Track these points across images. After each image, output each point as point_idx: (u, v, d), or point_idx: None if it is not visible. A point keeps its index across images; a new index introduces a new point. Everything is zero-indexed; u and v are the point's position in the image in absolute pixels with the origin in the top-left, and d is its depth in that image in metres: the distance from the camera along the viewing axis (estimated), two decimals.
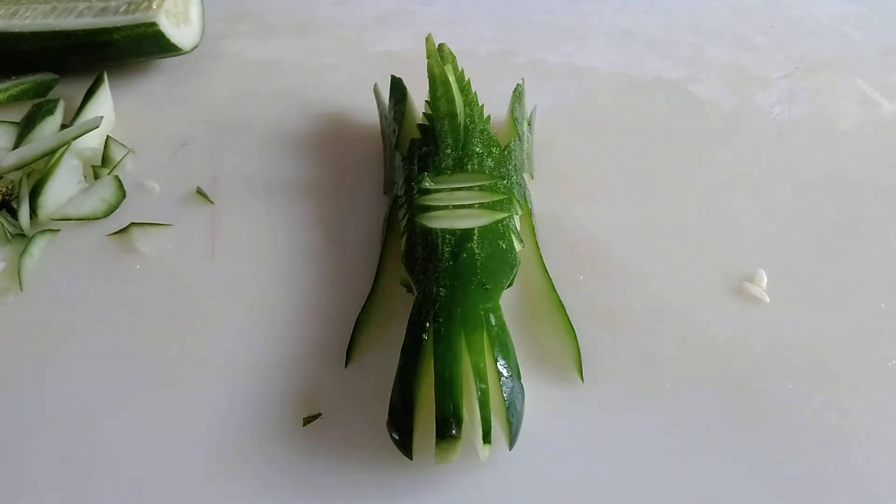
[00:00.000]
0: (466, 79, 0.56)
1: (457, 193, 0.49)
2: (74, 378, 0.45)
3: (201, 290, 0.50)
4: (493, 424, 0.38)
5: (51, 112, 0.61)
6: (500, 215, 0.47)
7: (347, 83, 0.69)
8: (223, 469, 0.41)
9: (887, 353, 0.46)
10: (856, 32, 0.78)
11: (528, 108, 0.62)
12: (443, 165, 0.50)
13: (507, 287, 0.45)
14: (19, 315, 0.49)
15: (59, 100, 0.64)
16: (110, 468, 0.41)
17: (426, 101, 0.56)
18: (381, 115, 0.62)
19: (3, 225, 0.53)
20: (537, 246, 0.50)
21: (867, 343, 0.47)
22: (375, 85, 0.63)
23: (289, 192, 0.58)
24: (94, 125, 0.58)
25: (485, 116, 0.54)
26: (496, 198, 0.48)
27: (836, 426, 0.42)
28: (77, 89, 0.65)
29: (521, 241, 0.49)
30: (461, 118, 0.52)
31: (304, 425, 0.42)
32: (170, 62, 0.72)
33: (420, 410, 0.39)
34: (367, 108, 0.64)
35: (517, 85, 0.61)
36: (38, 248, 0.53)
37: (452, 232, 0.46)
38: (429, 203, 0.48)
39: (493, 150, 0.52)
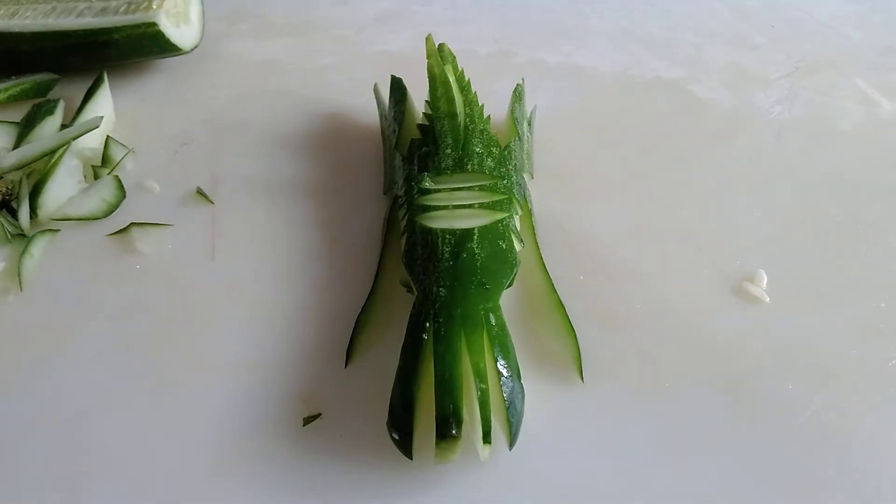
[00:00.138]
0: (466, 79, 0.56)
1: (457, 193, 0.49)
2: (74, 378, 0.45)
3: (201, 290, 0.50)
4: (493, 424, 0.38)
5: (51, 112, 0.61)
6: (500, 215, 0.47)
7: (347, 83, 0.69)
8: (223, 469, 0.41)
9: (887, 353, 0.46)
10: (856, 32, 0.78)
11: (528, 108, 0.62)
12: (443, 165, 0.50)
13: (507, 287, 0.45)
14: (19, 315, 0.49)
15: (59, 100, 0.64)
16: (110, 468, 0.41)
17: (426, 101, 0.56)
18: (381, 115, 0.62)
19: (3, 225, 0.53)
20: (537, 246, 0.50)
21: (867, 343, 0.47)
22: (375, 85, 0.63)
23: (289, 192, 0.58)
24: (94, 125, 0.58)
25: (485, 116, 0.54)
26: (496, 198, 0.48)
27: (836, 426, 0.42)
28: (77, 89, 0.65)
29: (521, 241, 0.49)
30: (461, 118, 0.52)
31: (304, 425, 0.42)
32: (170, 62, 0.72)
33: (420, 410, 0.39)
34: (367, 108, 0.64)
35: (517, 85, 0.61)
36: (38, 248, 0.53)
37: (452, 232, 0.46)
38: (429, 203, 0.48)
39: (493, 150, 0.52)
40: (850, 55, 0.74)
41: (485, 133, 0.52)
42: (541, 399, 0.43)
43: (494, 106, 0.56)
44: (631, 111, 0.67)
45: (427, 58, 0.53)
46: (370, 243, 0.53)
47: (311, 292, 0.50)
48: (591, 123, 0.65)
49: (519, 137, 0.55)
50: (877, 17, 0.81)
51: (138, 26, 0.65)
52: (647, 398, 0.44)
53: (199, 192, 0.57)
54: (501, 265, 0.45)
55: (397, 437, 0.39)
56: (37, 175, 0.56)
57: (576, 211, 0.55)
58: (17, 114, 0.63)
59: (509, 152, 0.53)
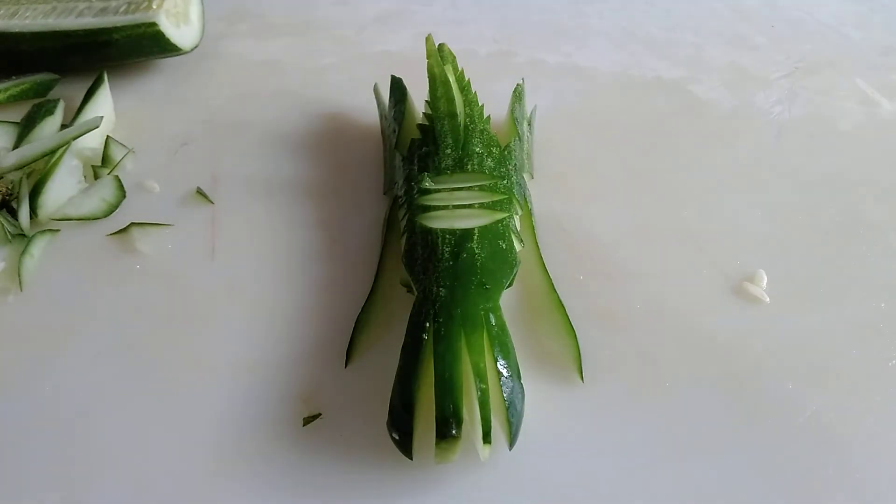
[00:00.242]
0: (466, 79, 0.56)
1: (457, 193, 0.49)
2: (74, 378, 0.45)
3: (201, 290, 0.50)
4: (493, 424, 0.38)
5: (51, 112, 0.61)
6: (500, 215, 0.47)
7: (347, 83, 0.69)
8: (223, 469, 0.41)
9: (887, 353, 0.46)
10: (856, 32, 0.78)
11: (528, 108, 0.62)
12: (443, 165, 0.50)
13: (507, 287, 0.45)
14: (19, 315, 0.49)
15: (59, 100, 0.64)
16: (110, 468, 0.41)
17: (426, 101, 0.56)
18: (381, 115, 0.62)
19: (3, 225, 0.53)
20: (537, 246, 0.50)
21: (867, 343, 0.47)
22: (375, 85, 0.63)
23: (289, 192, 0.58)
24: (94, 125, 0.58)
25: (485, 116, 0.54)
26: (496, 198, 0.48)
27: (836, 426, 0.42)
28: (77, 89, 0.65)
29: (521, 241, 0.49)
30: (461, 118, 0.52)
31: (304, 425, 0.42)
32: (170, 62, 0.72)
33: (420, 410, 0.39)
34: (367, 108, 0.64)
35: (517, 85, 0.61)
36: (38, 248, 0.53)
37: (452, 232, 0.46)
38: (429, 203, 0.48)
39: (493, 150, 0.52)
40: (850, 55, 0.74)
41: (485, 133, 0.52)
42: (541, 399, 0.43)
43: (494, 106, 0.56)
44: (631, 111, 0.67)
45: (427, 58, 0.53)
46: (370, 243, 0.53)
47: (311, 292, 0.50)
48: (591, 123, 0.65)
49: (519, 137, 0.55)
50: (877, 17, 0.81)
51: (138, 26, 0.65)
52: (647, 398, 0.44)
53: (199, 192, 0.57)
54: (501, 265, 0.45)
55: (397, 437, 0.39)
56: (37, 175, 0.56)
57: (576, 211, 0.55)
58: (17, 114, 0.63)
59: (509, 152, 0.53)
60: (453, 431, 0.37)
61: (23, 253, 0.52)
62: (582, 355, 0.45)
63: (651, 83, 0.70)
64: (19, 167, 0.56)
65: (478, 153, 0.51)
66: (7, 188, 0.56)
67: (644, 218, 0.55)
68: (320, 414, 0.43)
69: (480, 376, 0.39)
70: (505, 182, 0.50)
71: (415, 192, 0.49)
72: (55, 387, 0.45)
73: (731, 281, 0.50)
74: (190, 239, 0.54)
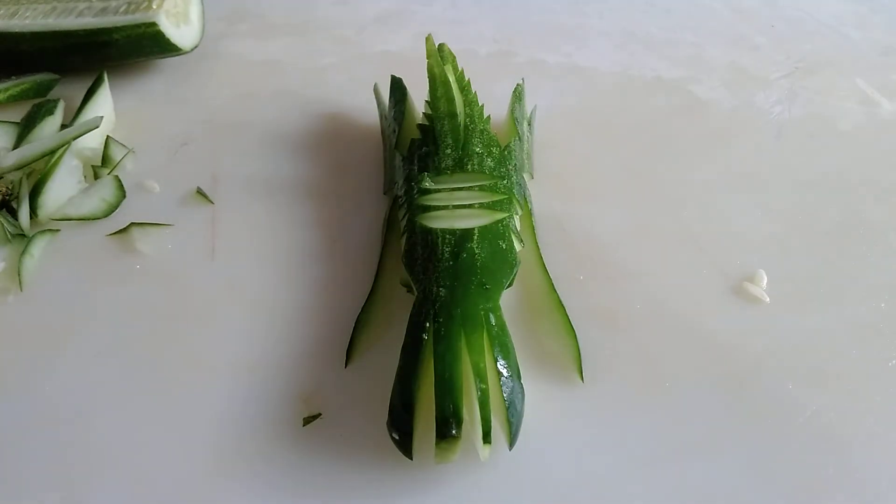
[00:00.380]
0: (466, 79, 0.56)
1: (457, 193, 0.49)
2: (74, 378, 0.45)
3: (201, 290, 0.50)
4: (493, 424, 0.38)
5: (51, 112, 0.61)
6: (500, 215, 0.47)
7: (347, 83, 0.69)
8: (223, 469, 0.41)
9: (887, 353, 0.46)
10: (856, 32, 0.78)
11: (528, 108, 0.62)
12: (443, 165, 0.50)
13: (507, 287, 0.45)
14: (19, 315, 0.49)
15: (59, 100, 0.64)
16: (110, 468, 0.41)
17: (426, 101, 0.56)
18: (381, 115, 0.62)
19: (3, 225, 0.53)
20: (537, 246, 0.50)
21: (867, 343, 0.47)
22: (375, 85, 0.63)
23: (289, 192, 0.58)
24: (94, 125, 0.58)
25: (485, 116, 0.54)
26: (496, 198, 0.48)
27: (836, 426, 0.42)
28: (77, 89, 0.65)
29: (521, 241, 0.49)
30: (461, 118, 0.52)
31: (304, 425, 0.42)
32: (170, 62, 0.72)
33: (420, 410, 0.39)
34: (367, 108, 0.64)
35: (517, 85, 0.61)
36: (38, 248, 0.53)
37: (452, 232, 0.46)
38: (429, 203, 0.48)
39: (493, 150, 0.52)
40: (850, 55, 0.74)
41: (485, 133, 0.52)
42: (541, 399, 0.43)
43: (494, 106, 0.56)
44: (631, 111, 0.67)
45: (427, 58, 0.53)
46: (370, 243, 0.53)
47: (311, 292, 0.50)
48: (591, 123, 0.65)
49: (519, 137, 0.55)
50: (877, 17, 0.81)
51: (138, 26, 0.65)
52: (647, 398, 0.44)
53: (199, 192, 0.57)
54: (501, 265, 0.45)
55: (397, 437, 0.39)
56: (37, 175, 0.56)
57: (576, 211, 0.55)
58: (17, 114, 0.63)
59: (509, 152, 0.53)
60: (453, 431, 0.37)
61: (23, 253, 0.52)
62: (582, 355, 0.45)
63: (651, 83, 0.70)
64: (19, 167, 0.56)
65: (478, 153, 0.51)
66: (7, 188, 0.56)
67: (644, 218, 0.55)
68: (320, 414, 0.43)
69: (480, 376, 0.39)
70: (505, 182, 0.50)
71: (415, 192, 0.49)
72: (55, 387, 0.45)
73: (731, 281, 0.50)
74: (190, 239, 0.54)
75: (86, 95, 0.63)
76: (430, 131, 0.53)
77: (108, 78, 0.65)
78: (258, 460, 0.41)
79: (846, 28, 0.79)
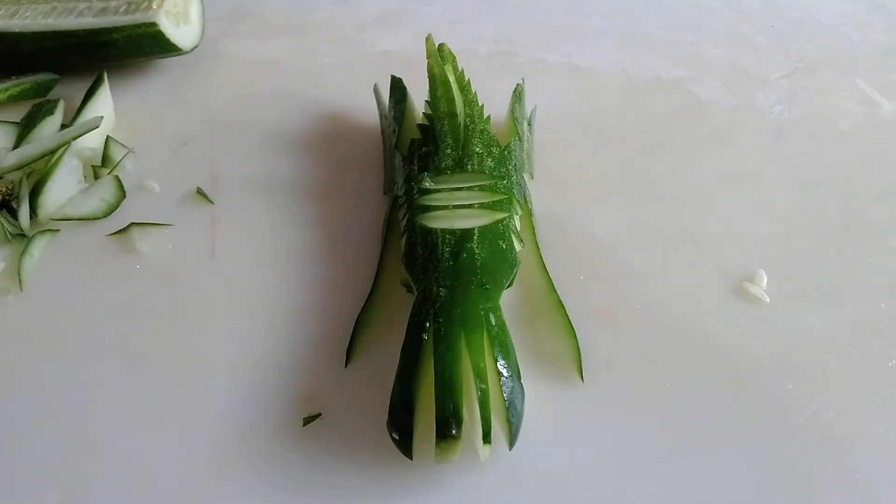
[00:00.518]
0: (466, 79, 0.56)
1: (457, 193, 0.49)
2: (74, 378, 0.45)
3: (201, 290, 0.50)
4: (493, 424, 0.38)
5: (51, 112, 0.61)
6: (500, 215, 0.47)
7: (347, 83, 0.69)
8: (223, 469, 0.41)
9: (887, 353, 0.46)
10: (856, 32, 0.78)
11: (528, 108, 0.62)
12: (443, 165, 0.50)
13: (507, 287, 0.45)
14: (19, 315, 0.49)
15: (59, 100, 0.64)
16: (110, 468, 0.41)
17: (426, 101, 0.56)
18: (381, 115, 0.62)
19: (3, 225, 0.53)
20: (537, 246, 0.50)
21: (867, 343, 0.47)
22: (375, 85, 0.63)
23: (289, 192, 0.58)
24: (94, 125, 0.58)
25: (485, 116, 0.54)
26: (496, 198, 0.48)
27: (836, 426, 0.42)
28: (77, 89, 0.65)
29: (521, 241, 0.49)
30: (461, 118, 0.52)
31: (304, 425, 0.42)
32: (170, 62, 0.72)
33: (420, 410, 0.39)
34: (367, 108, 0.64)
35: (517, 85, 0.61)
36: (38, 248, 0.53)
37: (452, 232, 0.46)
38: (429, 203, 0.48)
39: (493, 150, 0.52)
40: (850, 55, 0.74)
41: (485, 133, 0.52)
42: (541, 399, 0.43)
43: (494, 106, 0.56)
44: (631, 111, 0.67)
45: (427, 58, 0.53)
46: (370, 243, 0.53)
47: (311, 292, 0.50)
48: (591, 123, 0.65)
49: (519, 137, 0.55)
50: (877, 17, 0.81)
51: (138, 26, 0.65)
52: (647, 398, 0.44)
53: (199, 192, 0.57)
54: (501, 265, 0.45)
55: (397, 437, 0.39)
56: (37, 175, 0.56)
57: (576, 211, 0.55)
58: (17, 114, 0.63)
59: (509, 152, 0.53)
60: (453, 431, 0.37)
61: (23, 253, 0.52)
62: (582, 355, 0.45)
63: (651, 83, 0.70)
64: (19, 167, 0.56)
65: (478, 153, 0.51)
66: (7, 188, 0.56)
67: (644, 218, 0.55)
68: (320, 414, 0.43)
69: (480, 376, 0.39)
70: (505, 182, 0.50)
71: (415, 192, 0.49)
72: (55, 387, 0.45)
73: (731, 281, 0.50)
74: (190, 239, 0.54)
75: (86, 95, 0.63)
76: (430, 131, 0.53)
77: (108, 78, 0.65)
78: (258, 460, 0.41)
79: (846, 28, 0.79)
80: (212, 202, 0.57)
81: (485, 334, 0.41)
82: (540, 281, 0.48)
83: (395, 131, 0.57)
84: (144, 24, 0.65)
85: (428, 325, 0.41)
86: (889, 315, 0.48)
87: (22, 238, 0.53)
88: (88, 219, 0.55)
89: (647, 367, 0.45)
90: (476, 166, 0.50)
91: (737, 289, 0.50)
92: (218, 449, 0.42)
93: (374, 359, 0.45)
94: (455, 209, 0.47)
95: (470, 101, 0.54)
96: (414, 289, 0.45)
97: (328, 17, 0.80)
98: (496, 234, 0.46)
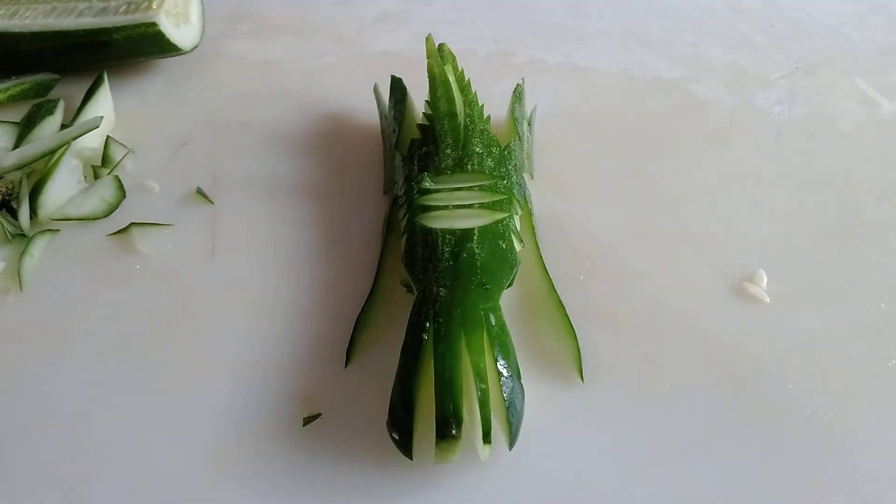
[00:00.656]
0: (466, 79, 0.56)
1: (457, 193, 0.49)
2: (74, 378, 0.45)
3: (201, 290, 0.50)
4: (493, 424, 0.38)
5: (51, 112, 0.61)
6: (500, 215, 0.47)
7: (347, 83, 0.69)
8: (223, 469, 0.41)
9: (887, 353, 0.46)
10: (856, 32, 0.78)
11: (528, 108, 0.62)
12: (443, 165, 0.50)
13: (507, 287, 0.45)
14: (19, 315, 0.49)
15: (59, 100, 0.64)
16: (110, 468, 0.41)
17: (426, 101, 0.56)
18: (381, 115, 0.62)
19: (3, 225, 0.53)
20: (537, 246, 0.50)
21: (867, 343, 0.47)
22: (375, 85, 0.63)
23: (289, 192, 0.58)
24: (94, 125, 0.58)
25: (485, 116, 0.54)
26: (496, 198, 0.48)
27: (836, 426, 0.42)
28: (77, 89, 0.65)
29: (521, 241, 0.49)
30: (461, 118, 0.52)
31: (304, 425, 0.42)
32: (170, 62, 0.72)
33: (420, 410, 0.39)
34: (367, 108, 0.64)
35: (517, 85, 0.61)
36: (38, 248, 0.53)
37: (452, 232, 0.46)
38: (429, 203, 0.48)
39: (493, 150, 0.52)
40: (850, 55, 0.74)
41: (485, 133, 0.52)
42: (541, 399, 0.43)
43: (494, 106, 0.56)
44: (631, 111, 0.67)
45: (427, 58, 0.53)
46: (370, 243, 0.53)
47: (311, 292, 0.50)
48: (591, 123, 0.65)
49: (519, 137, 0.55)
50: (877, 17, 0.81)
51: (138, 26, 0.65)
52: (647, 398, 0.44)
53: (199, 192, 0.57)
54: (501, 265, 0.45)
55: (397, 437, 0.39)
56: (37, 175, 0.56)
57: (576, 211, 0.55)
58: (17, 114, 0.62)
59: (509, 152, 0.53)
60: (453, 431, 0.37)
61: (23, 253, 0.52)
62: (582, 355, 0.45)
63: (651, 83, 0.70)
64: (19, 167, 0.56)
65: (478, 153, 0.51)
66: (7, 188, 0.56)
67: (644, 218, 0.55)
68: (320, 414, 0.43)
69: (480, 376, 0.39)
70: (505, 182, 0.50)
71: (415, 192, 0.49)
72: (55, 387, 0.45)
73: (731, 281, 0.50)
74: (190, 239, 0.54)
75: (86, 95, 0.63)
76: (430, 131, 0.53)
77: (108, 78, 0.65)
78: (258, 460, 0.41)
79: (846, 28, 0.79)
80: (212, 202, 0.57)
81: (485, 334, 0.41)
82: (540, 281, 0.48)
83: (395, 131, 0.57)
84: (144, 24, 0.65)
85: (428, 325, 0.41)
86: (889, 315, 0.48)
87: (22, 238, 0.53)
88: (88, 219, 0.55)
89: (647, 367, 0.45)
90: (476, 166, 0.50)
91: (737, 289, 0.50)
92: (218, 449, 0.41)
93: (374, 359, 0.45)
94: (455, 209, 0.47)
95: (470, 101, 0.54)
96: (414, 289, 0.45)
97: (328, 17, 0.80)
98: (496, 234, 0.46)
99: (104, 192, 0.57)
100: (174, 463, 0.41)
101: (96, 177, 0.58)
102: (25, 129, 0.60)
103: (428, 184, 0.49)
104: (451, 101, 0.53)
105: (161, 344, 0.47)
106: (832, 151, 0.62)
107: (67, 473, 0.41)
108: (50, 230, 0.54)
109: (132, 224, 0.54)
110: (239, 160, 0.61)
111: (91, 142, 0.60)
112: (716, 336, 0.47)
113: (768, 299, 0.49)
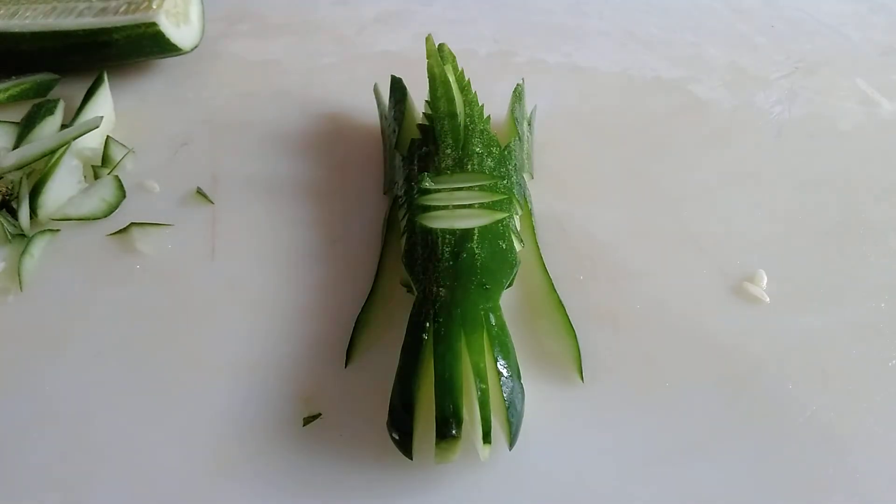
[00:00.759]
0: (466, 79, 0.56)
1: (457, 193, 0.49)
2: (74, 378, 0.45)
3: (201, 290, 0.50)
4: (493, 424, 0.38)
5: (51, 112, 0.61)
6: (500, 215, 0.47)
7: (347, 83, 0.69)
8: (223, 469, 0.41)
9: (887, 353, 0.46)
10: (856, 32, 0.78)
11: (528, 108, 0.62)
12: (443, 165, 0.50)
13: (507, 287, 0.45)
14: (19, 315, 0.49)
15: (59, 100, 0.64)
16: (110, 468, 0.41)
17: (426, 101, 0.56)
18: (381, 115, 0.62)
19: (3, 225, 0.53)
20: (537, 246, 0.50)
21: (867, 343, 0.47)
22: (375, 85, 0.63)
23: (289, 192, 0.58)
24: (94, 125, 0.58)
25: (485, 116, 0.54)
26: (496, 198, 0.48)
27: (836, 426, 0.42)
28: (77, 89, 0.65)
29: (521, 241, 0.49)
30: (461, 118, 0.52)
31: (304, 425, 0.42)
32: (170, 62, 0.72)
33: (420, 410, 0.39)
34: (367, 108, 0.64)
35: (517, 85, 0.61)
36: (38, 248, 0.53)
37: (452, 232, 0.46)
38: (429, 203, 0.48)
39: (493, 150, 0.52)
40: (850, 55, 0.74)
41: (485, 133, 0.52)
42: (541, 399, 0.43)
43: (494, 106, 0.56)
44: (631, 111, 0.67)
45: (427, 58, 0.53)
46: (370, 243, 0.53)
47: (311, 292, 0.50)
48: (591, 123, 0.65)
49: (519, 137, 0.55)
50: (877, 17, 0.81)
51: (138, 26, 0.65)
52: (647, 398, 0.44)
53: (199, 192, 0.57)
54: (501, 265, 0.45)
55: (397, 437, 0.39)
56: (37, 175, 0.56)
57: (576, 211, 0.55)
58: (17, 114, 0.62)
59: (509, 152, 0.53)
60: (453, 431, 0.37)
61: (23, 253, 0.52)
62: (582, 355, 0.45)
63: (651, 83, 0.70)
64: (19, 167, 0.56)
65: (478, 153, 0.51)
66: (7, 188, 0.56)
67: (644, 218, 0.55)
68: (320, 414, 0.43)
69: (480, 376, 0.39)
70: (505, 182, 0.50)
71: (415, 192, 0.49)
72: (55, 387, 0.45)
73: (731, 281, 0.50)
74: (190, 239, 0.54)
75: (86, 95, 0.63)
76: (430, 131, 0.53)
77: (108, 78, 0.65)
78: (258, 460, 0.41)
79: (846, 28, 0.79)
80: (212, 202, 0.57)
81: (485, 334, 0.41)
82: (540, 281, 0.48)
83: (395, 131, 0.57)
84: (144, 24, 0.65)
85: (428, 325, 0.41)
86: (889, 315, 0.48)
87: (22, 238, 0.53)
88: (88, 219, 0.55)
89: (647, 367, 0.45)
90: (476, 166, 0.50)
91: (737, 289, 0.50)
92: (218, 449, 0.41)
93: (374, 359, 0.45)
94: (455, 209, 0.47)
95: (470, 101, 0.54)
96: (414, 289, 0.45)
97: (328, 17, 0.80)
98: (496, 234, 0.46)
99: (104, 192, 0.57)
100: (174, 463, 0.41)
101: (96, 177, 0.58)
102: (25, 129, 0.60)
103: (428, 184, 0.49)
104: (451, 101, 0.53)
105: (161, 344, 0.47)
106: (832, 151, 0.62)
107: (67, 473, 0.41)
108: (50, 230, 0.54)
109: (132, 224, 0.54)
110: (239, 160, 0.61)
111: (91, 142, 0.60)
112: (716, 336, 0.47)
113: (768, 299, 0.49)
